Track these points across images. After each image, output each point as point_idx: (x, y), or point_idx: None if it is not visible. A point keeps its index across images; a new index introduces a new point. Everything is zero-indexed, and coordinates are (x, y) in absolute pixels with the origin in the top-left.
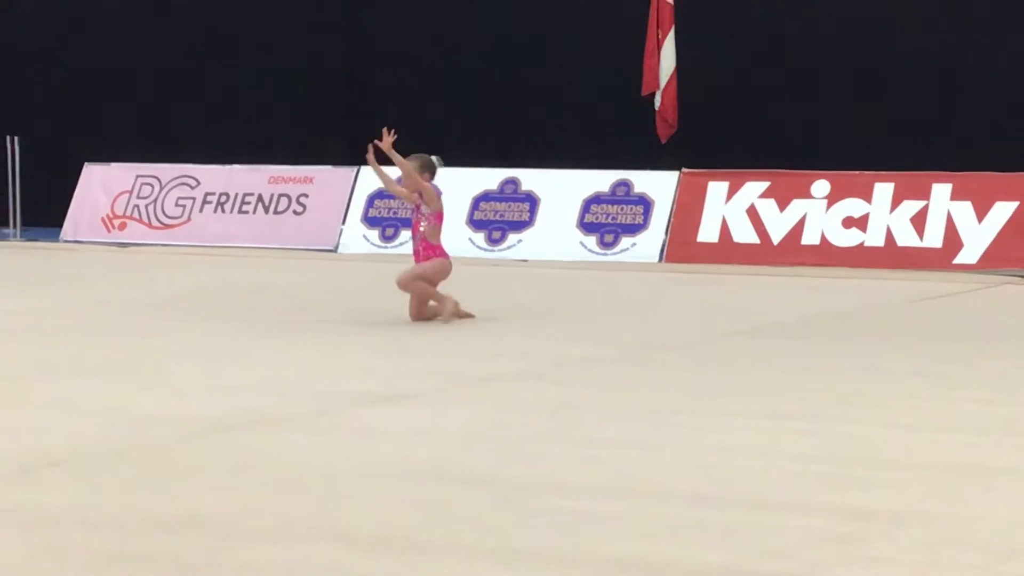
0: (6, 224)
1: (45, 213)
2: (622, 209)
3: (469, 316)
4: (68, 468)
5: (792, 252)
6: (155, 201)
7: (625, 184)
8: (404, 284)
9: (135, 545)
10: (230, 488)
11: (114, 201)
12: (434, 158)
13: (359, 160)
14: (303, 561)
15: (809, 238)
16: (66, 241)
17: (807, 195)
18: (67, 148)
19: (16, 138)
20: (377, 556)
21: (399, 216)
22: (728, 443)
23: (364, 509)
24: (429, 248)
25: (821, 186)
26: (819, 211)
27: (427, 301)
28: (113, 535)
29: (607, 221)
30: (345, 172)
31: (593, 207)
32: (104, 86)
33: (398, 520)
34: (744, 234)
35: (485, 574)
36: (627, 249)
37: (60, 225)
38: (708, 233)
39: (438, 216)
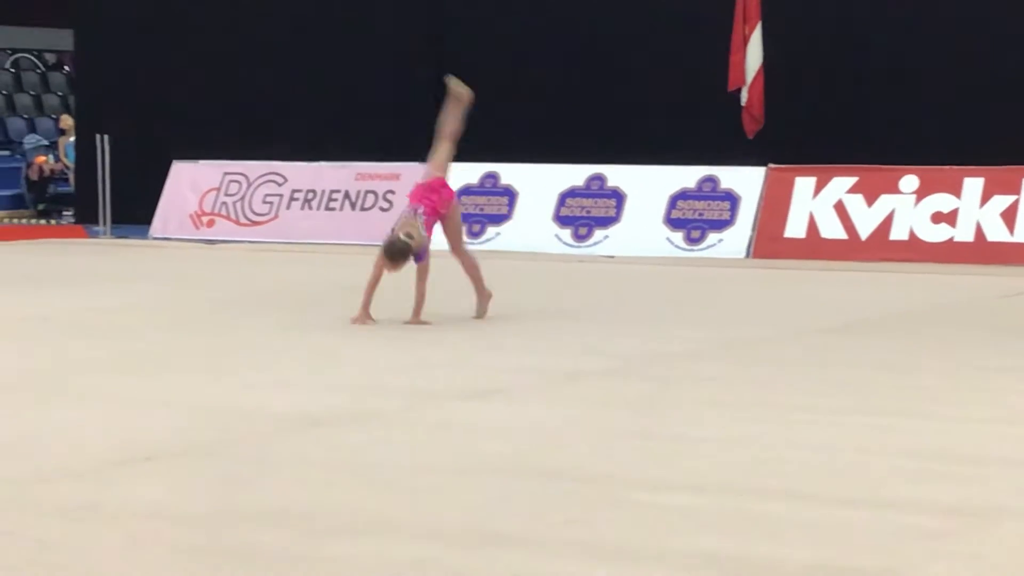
0: (96, 222)
1: (134, 210)
2: (709, 205)
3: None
4: (160, 463)
5: (880, 248)
6: (243, 198)
7: (712, 180)
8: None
9: (226, 539)
10: (319, 483)
11: (202, 198)
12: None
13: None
14: (392, 556)
15: (897, 233)
16: (155, 238)
17: (895, 190)
18: (156, 146)
19: (106, 136)
20: (466, 551)
21: (486, 212)
22: (818, 439)
23: (453, 504)
24: (433, 215)
25: (910, 181)
26: (908, 206)
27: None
28: (204, 529)
29: (694, 217)
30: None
31: (680, 203)
32: (193, 84)
33: (486, 515)
34: (832, 230)
35: (575, 569)
36: (714, 245)
37: (149, 222)
38: (795, 229)
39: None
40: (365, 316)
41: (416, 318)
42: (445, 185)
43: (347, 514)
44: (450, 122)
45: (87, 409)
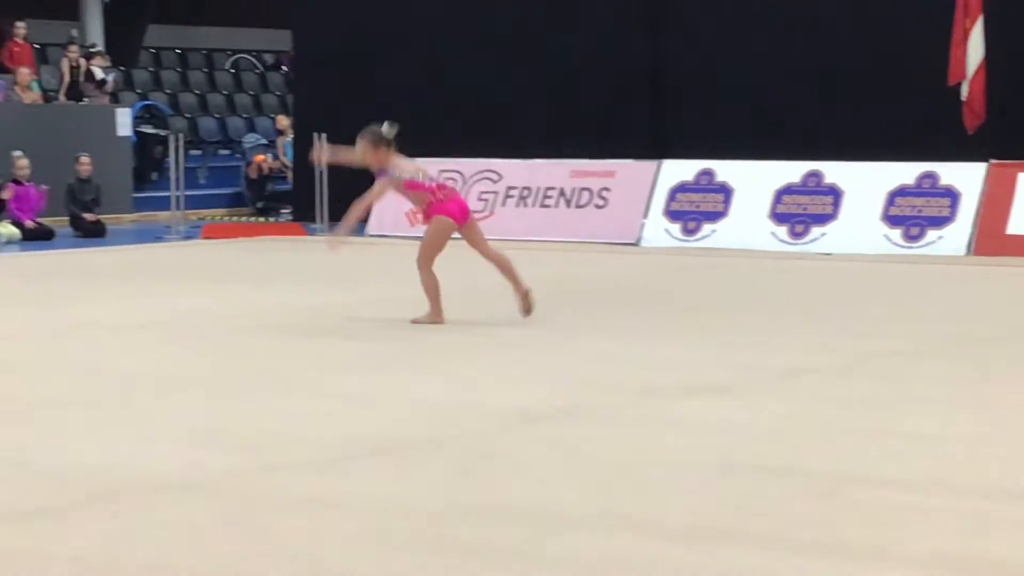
0: (313, 219)
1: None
2: (928, 202)
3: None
4: (385, 458)
5: None
6: None
7: (931, 176)
8: (418, 268)
9: (453, 533)
10: (545, 479)
11: None
12: (383, 127)
13: (661, 154)
14: (619, 551)
15: None
16: (371, 235)
17: None
18: None
19: (323, 135)
20: (692, 548)
21: (702, 210)
22: None
23: (677, 500)
24: (424, 213)
25: None
26: None
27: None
28: (431, 523)
29: (912, 214)
30: (647, 166)
31: (898, 200)
32: (408, 82)
33: (712, 512)
34: None
35: (801, 567)
36: (933, 242)
37: (365, 219)
38: (1018, 225)
39: (409, 185)
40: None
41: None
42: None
43: (573, 510)
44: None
45: (314, 404)
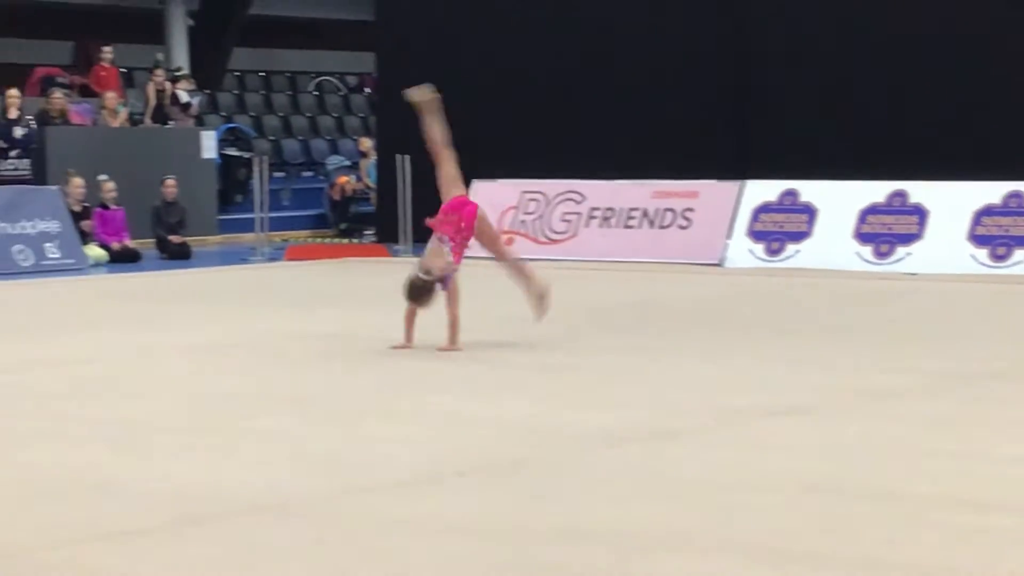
0: (396, 240)
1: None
2: (1015, 221)
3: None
4: (472, 478)
5: None
6: (541, 216)
7: (1018, 196)
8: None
9: (536, 556)
10: (627, 500)
11: (501, 217)
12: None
13: (744, 174)
14: (704, 573)
15: None
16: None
17: None
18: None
19: (406, 156)
20: (777, 569)
21: (786, 230)
22: None
23: (762, 522)
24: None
25: None
26: None
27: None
28: (515, 545)
29: (999, 233)
30: (730, 186)
31: (984, 219)
32: (491, 104)
33: (797, 533)
34: None
35: None
36: (1021, 262)
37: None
38: None
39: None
40: (407, 342)
41: (451, 344)
42: (467, 202)
43: (652, 531)
44: (434, 131)
45: (399, 425)
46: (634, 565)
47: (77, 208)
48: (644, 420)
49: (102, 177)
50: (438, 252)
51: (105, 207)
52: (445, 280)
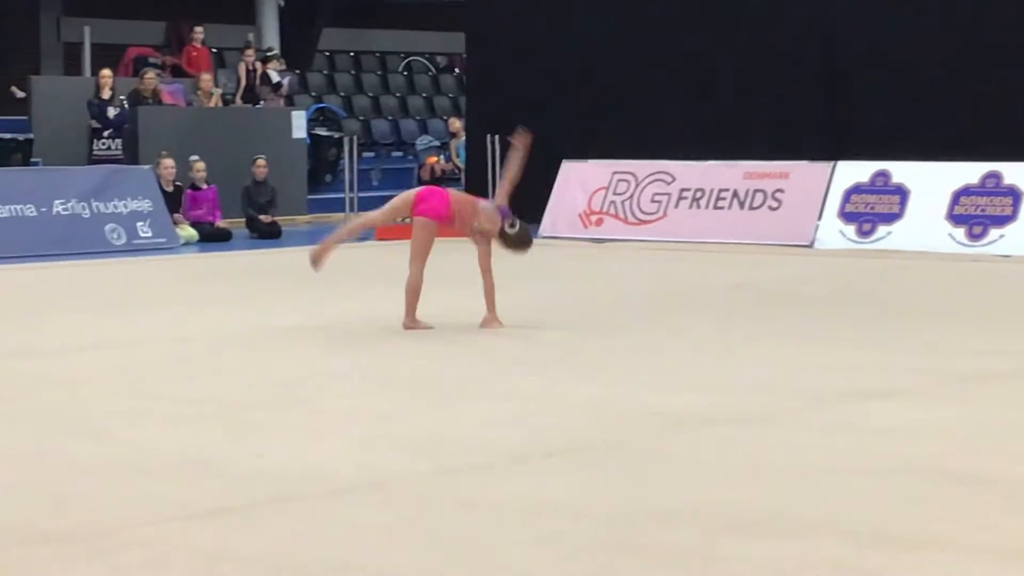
0: None
1: (524, 209)
2: None
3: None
4: (560, 460)
5: None
6: (631, 197)
7: None
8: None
9: (628, 535)
10: (720, 482)
11: (591, 197)
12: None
13: (835, 155)
14: (800, 555)
15: None
16: (544, 237)
17: None
18: (545, 145)
19: (496, 136)
20: (876, 552)
21: (877, 211)
22: None
23: (858, 505)
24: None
25: None
26: None
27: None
28: (607, 525)
29: None
30: (821, 167)
31: None
32: (581, 84)
33: (890, 516)
34: None
35: (984, 573)
36: None
37: (538, 221)
38: None
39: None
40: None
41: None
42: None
43: (753, 513)
44: (511, 168)
45: (487, 406)
46: (723, 547)
47: (169, 188)
48: (734, 402)
49: (193, 157)
50: (487, 214)
51: (196, 187)
52: (502, 212)
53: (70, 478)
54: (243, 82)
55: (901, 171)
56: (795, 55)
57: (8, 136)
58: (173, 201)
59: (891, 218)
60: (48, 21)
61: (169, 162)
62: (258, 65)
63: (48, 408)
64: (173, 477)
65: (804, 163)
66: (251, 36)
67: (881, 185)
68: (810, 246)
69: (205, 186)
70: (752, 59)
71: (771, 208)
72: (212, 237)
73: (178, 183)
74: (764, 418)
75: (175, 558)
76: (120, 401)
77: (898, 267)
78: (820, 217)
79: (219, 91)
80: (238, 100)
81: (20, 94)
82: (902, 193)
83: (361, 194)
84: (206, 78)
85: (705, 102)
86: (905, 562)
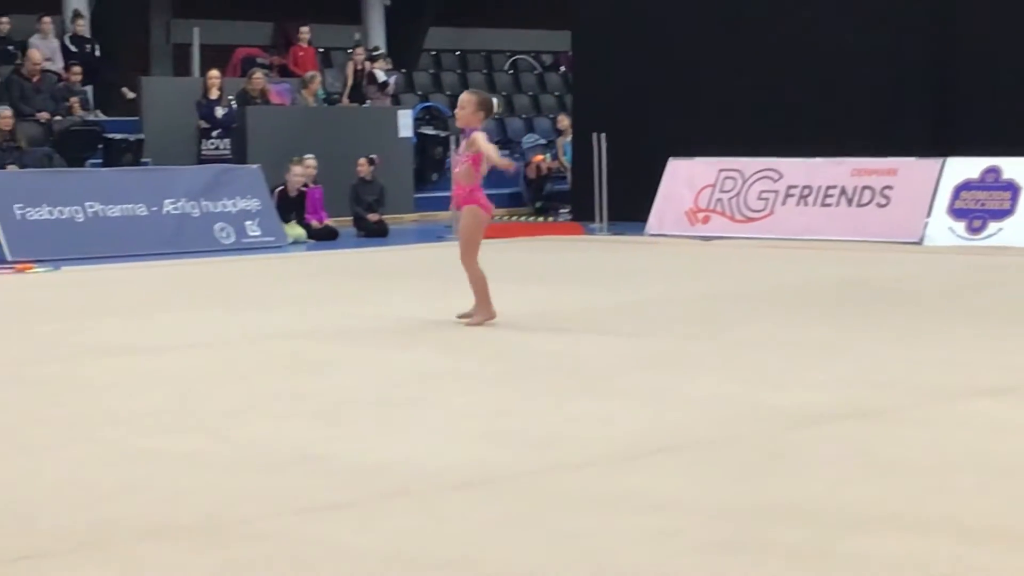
0: (592, 219)
1: (630, 207)
2: None
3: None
4: (673, 455)
5: None
6: (738, 195)
7: None
8: (463, 264)
9: (745, 533)
10: (837, 479)
11: (697, 195)
12: (495, 100)
13: (945, 151)
14: (917, 553)
15: None
16: (651, 235)
17: None
18: (651, 143)
19: (602, 134)
20: (993, 550)
21: (988, 208)
22: None
23: (973, 501)
24: (460, 190)
25: None
26: None
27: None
28: (723, 523)
29: None
30: (930, 163)
31: None
32: (688, 81)
33: (1011, 514)
34: None
35: None
36: None
37: (644, 219)
38: None
39: (474, 159)
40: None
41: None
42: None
43: (858, 510)
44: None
45: (596, 403)
46: (842, 544)
47: (293, 193)
48: (846, 399)
49: (307, 156)
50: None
51: (304, 186)
52: (467, 134)
53: (181, 473)
54: (350, 81)
55: (1012, 167)
56: (904, 49)
57: (119, 136)
58: (293, 204)
59: (1002, 214)
60: (158, 23)
61: (299, 169)
62: (365, 64)
63: (157, 405)
64: (285, 472)
65: (913, 159)
66: (357, 36)
67: (992, 181)
68: (919, 243)
69: (312, 185)
70: (859, 54)
71: (879, 205)
72: (319, 236)
73: (303, 188)
74: (880, 415)
75: (287, 552)
76: (229, 398)
77: (1010, 264)
78: (929, 214)
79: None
80: (345, 99)
81: (130, 95)
82: (1013, 189)
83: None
84: (317, 76)
85: (812, 98)
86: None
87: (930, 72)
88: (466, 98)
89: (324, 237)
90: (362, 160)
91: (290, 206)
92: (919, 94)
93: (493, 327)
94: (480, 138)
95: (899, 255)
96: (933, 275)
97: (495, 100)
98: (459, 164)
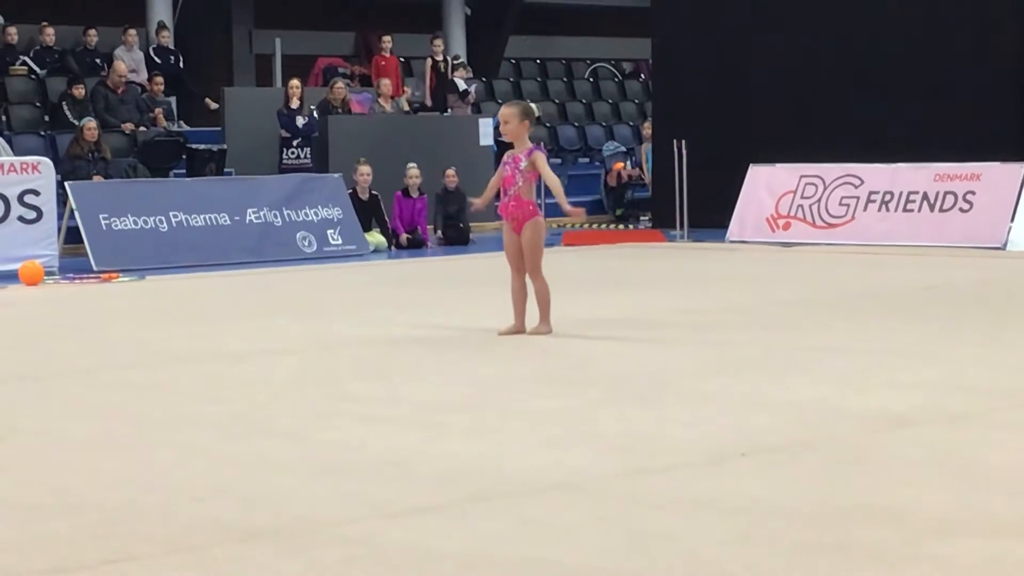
0: (673, 226)
1: (710, 214)
2: None
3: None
4: (759, 458)
5: None
6: (819, 201)
7: None
8: (531, 280)
9: (830, 536)
10: (921, 482)
11: (778, 201)
12: (533, 106)
13: None
14: (1002, 555)
15: None
16: (731, 241)
17: None
18: (731, 150)
19: (683, 141)
20: None
21: None
22: None
23: None
24: (521, 203)
25: None
26: None
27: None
28: (807, 525)
29: None
30: (1014, 168)
31: None
32: (768, 87)
33: None
34: None
35: None
36: None
37: (725, 226)
38: None
39: (532, 175)
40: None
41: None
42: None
43: (944, 513)
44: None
45: (680, 406)
46: (926, 547)
47: (364, 196)
48: (932, 402)
49: (410, 165)
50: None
51: (407, 193)
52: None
53: (267, 477)
54: (429, 81)
55: None
56: (986, 53)
57: (203, 147)
58: (368, 209)
59: None
60: (240, 34)
61: (366, 169)
62: (441, 64)
63: (243, 409)
64: (369, 476)
65: (996, 164)
66: (438, 43)
67: None
68: (1002, 248)
69: (416, 194)
70: (940, 59)
71: (962, 210)
72: (408, 245)
73: (374, 192)
74: (965, 419)
75: (372, 556)
76: (315, 402)
77: None
78: (1013, 219)
79: (404, 99)
80: (428, 99)
81: (214, 106)
82: None
83: (548, 200)
84: (401, 86)
85: (892, 104)
86: None
87: (1015, 74)
88: (507, 112)
89: (408, 245)
90: (449, 171)
91: (364, 211)
92: (1003, 98)
93: (573, 337)
94: (545, 165)
95: (982, 260)
96: (1017, 280)
97: (535, 106)
98: (520, 179)
